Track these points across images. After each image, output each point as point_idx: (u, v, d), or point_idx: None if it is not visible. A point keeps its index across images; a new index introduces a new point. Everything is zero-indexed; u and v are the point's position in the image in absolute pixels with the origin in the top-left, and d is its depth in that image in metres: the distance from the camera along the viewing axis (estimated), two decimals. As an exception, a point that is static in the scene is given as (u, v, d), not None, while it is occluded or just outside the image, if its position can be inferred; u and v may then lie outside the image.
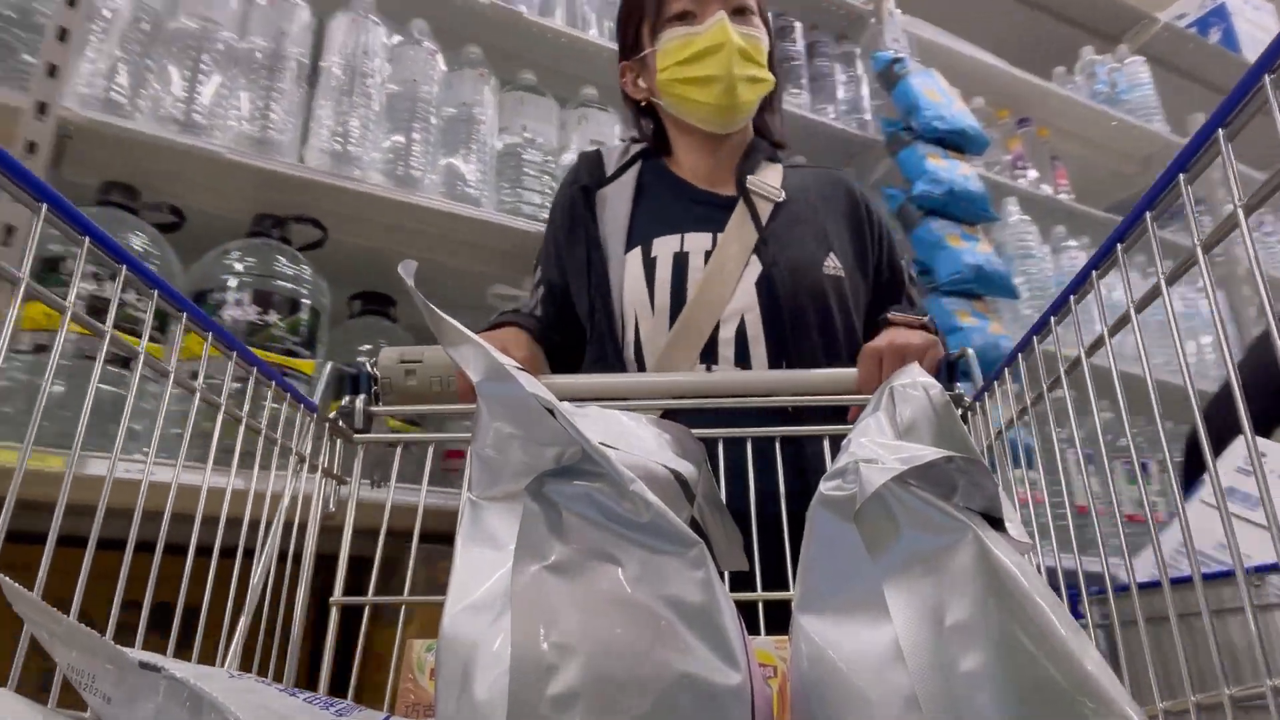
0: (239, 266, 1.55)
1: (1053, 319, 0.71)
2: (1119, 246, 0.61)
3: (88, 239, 0.58)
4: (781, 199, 1.25)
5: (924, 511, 0.46)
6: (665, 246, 1.21)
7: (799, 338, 1.16)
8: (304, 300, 1.58)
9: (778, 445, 0.91)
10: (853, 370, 1.00)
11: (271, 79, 1.66)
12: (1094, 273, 0.65)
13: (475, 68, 1.93)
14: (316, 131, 1.70)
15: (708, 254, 1.19)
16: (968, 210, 2.19)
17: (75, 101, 1.46)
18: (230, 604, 0.71)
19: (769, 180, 1.27)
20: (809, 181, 1.31)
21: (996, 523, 0.49)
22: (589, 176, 1.31)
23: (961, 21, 2.84)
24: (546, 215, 1.41)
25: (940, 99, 2.32)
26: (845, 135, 2.43)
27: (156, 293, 0.65)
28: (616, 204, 1.27)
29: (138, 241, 1.46)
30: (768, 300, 1.16)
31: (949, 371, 0.96)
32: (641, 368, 1.19)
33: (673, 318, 1.18)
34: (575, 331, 1.29)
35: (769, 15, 1.32)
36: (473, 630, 0.46)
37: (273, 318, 1.51)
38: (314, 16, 1.79)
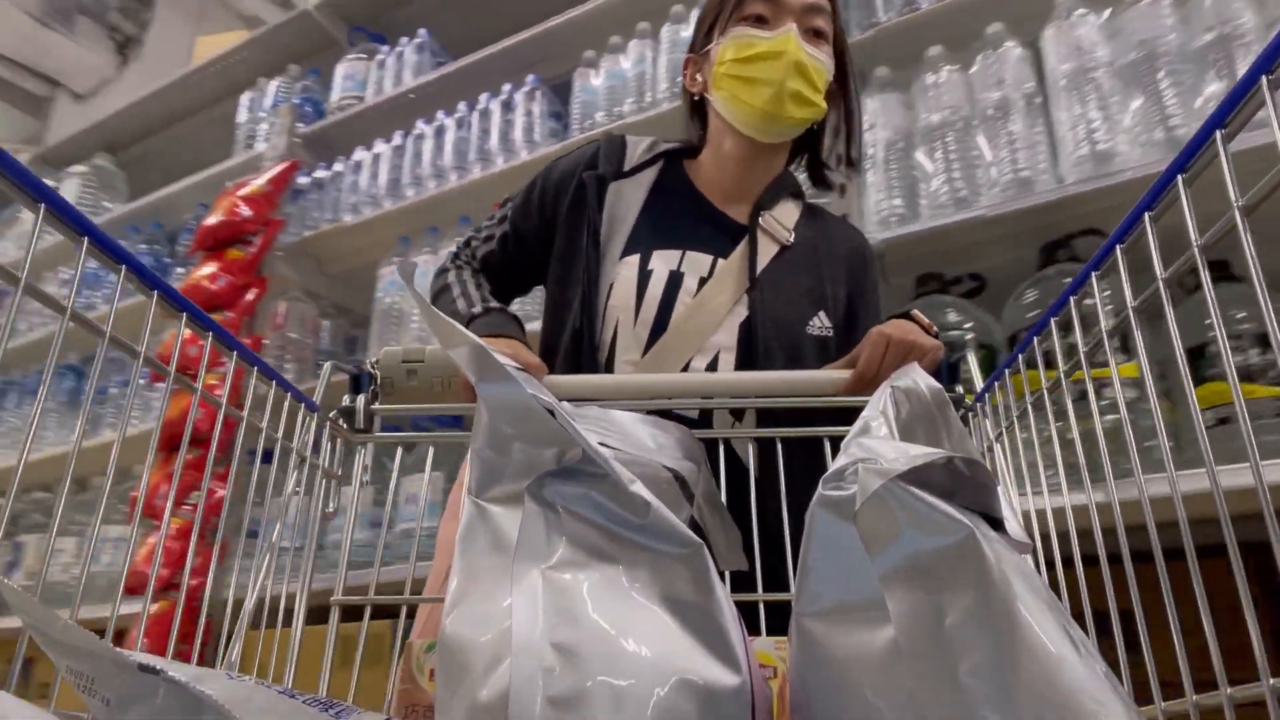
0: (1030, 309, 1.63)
1: (1053, 320, 0.71)
2: (1118, 248, 0.61)
3: (86, 239, 0.58)
4: (790, 241, 1.25)
5: (924, 512, 0.46)
6: (663, 261, 1.21)
7: None
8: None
9: (778, 445, 0.91)
10: (843, 373, 1.01)
11: (1006, 124, 1.78)
12: (1093, 274, 0.65)
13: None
14: (1062, 148, 1.69)
15: (702, 279, 1.20)
16: None
17: (875, 226, 1.80)
18: (229, 604, 0.71)
19: (784, 219, 1.27)
20: (823, 230, 1.31)
21: (996, 523, 0.49)
22: (607, 165, 1.29)
23: None
24: None
25: None
26: None
27: (156, 293, 0.65)
28: (628, 202, 1.26)
29: (954, 314, 1.68)
30: (745, 345, 1.16)
31: (949, 373, 0.96)
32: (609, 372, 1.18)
33: (653, 334, 1.17)
34: (516, 281, 1.32)
35: (847, 49, 1.32)
36: (473, 631, 0.46)
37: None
38: (1023, 48, 1.85)
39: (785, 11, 1.22)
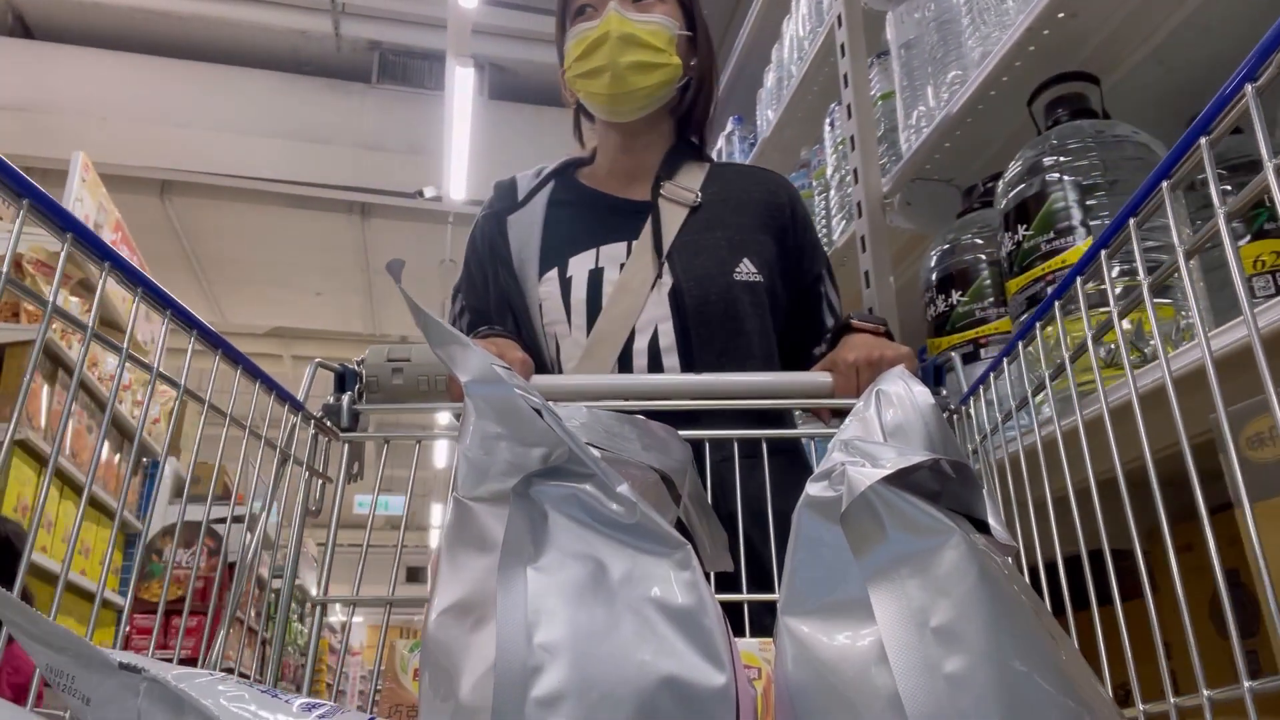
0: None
1: (1037, 325, 0.71)
2: (1103, 253, 0.62)
3: (70, 234, 0.57)
4: (696, 203, 1.24)
5: (910, 513, 0.46)
6: (580, 265, 1.22)
7: (705, 347, 1.16)
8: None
9: (764, 446, 0.91)
10: (827, 377, 1.00)
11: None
12: (1078, 279, 0.66)
13: None
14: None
15: (622, 266, 1.20)
16: None
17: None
18: (212, 603, 0.70)
19: (688, 184, 1.27)
20: (734, 182, 1.30)
21: (981, 525, 0.49)
22: (500, 203, 1.32)
23: None
24: None
25: None
26: None
27: (140, 289, 0.65)
28: (528, 228, 1.28)
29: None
30: (678, 311, 1.17)
31: (935, 376, 0.96)
32: None
33: (590, 334, 1.18)
34: None
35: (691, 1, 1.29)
36: (457, 631, 0.46)
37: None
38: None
39: None
